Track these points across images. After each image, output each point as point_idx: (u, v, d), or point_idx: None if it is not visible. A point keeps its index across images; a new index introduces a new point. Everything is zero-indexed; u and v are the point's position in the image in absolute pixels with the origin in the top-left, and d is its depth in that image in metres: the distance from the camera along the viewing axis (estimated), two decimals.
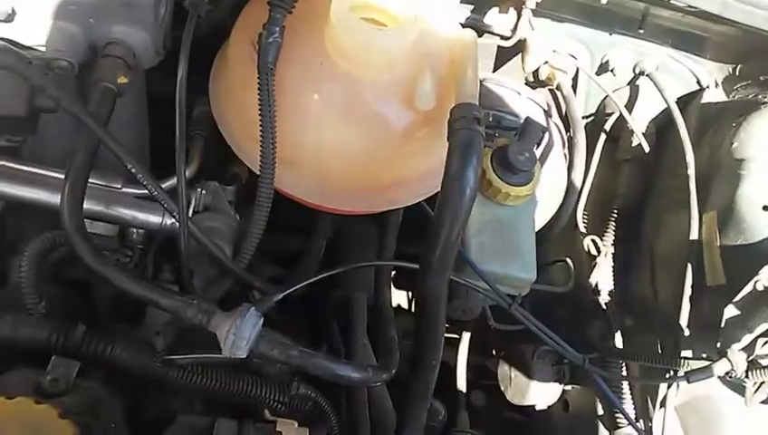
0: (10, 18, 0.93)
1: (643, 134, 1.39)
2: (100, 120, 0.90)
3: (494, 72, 1.45)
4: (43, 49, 0.94)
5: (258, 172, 0.97)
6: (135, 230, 1.04)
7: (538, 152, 1.25)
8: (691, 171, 1.26)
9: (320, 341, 1.33)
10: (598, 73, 1.42)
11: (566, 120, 1.47)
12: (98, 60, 0.96)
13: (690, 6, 1.18)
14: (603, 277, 1.37)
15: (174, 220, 0.98)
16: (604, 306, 1.38)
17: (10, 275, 1.01)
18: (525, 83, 1.45)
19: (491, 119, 1.27)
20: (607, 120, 1.46)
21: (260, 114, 0.93)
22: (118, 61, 0.96)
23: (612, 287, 1.38)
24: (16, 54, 0.89)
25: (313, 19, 0.96)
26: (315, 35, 0.96)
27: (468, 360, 1.57)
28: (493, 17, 1.28)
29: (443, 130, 0.96)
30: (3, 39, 0.93)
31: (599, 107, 1.49)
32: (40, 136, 1.03)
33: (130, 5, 0.94)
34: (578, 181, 1.33)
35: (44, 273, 0.97)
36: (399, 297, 1.80)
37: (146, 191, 0.99)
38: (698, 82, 1.41)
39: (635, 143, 1.41)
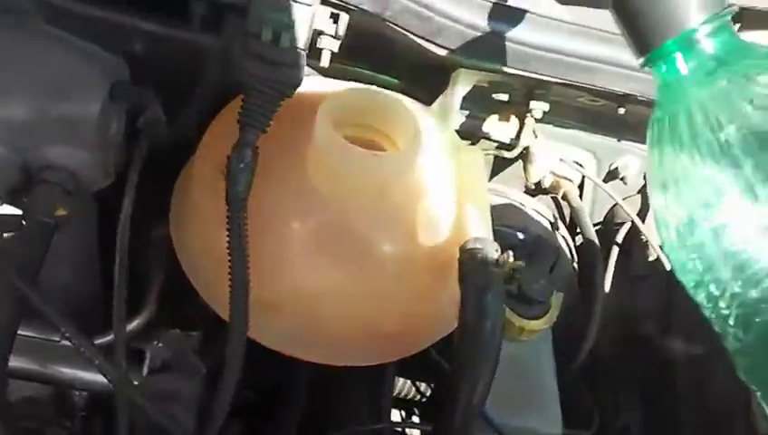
0: None
1: (660, 247, 1.25)
2: (30, 268, 0.72)
3: (490, 180, 1.31)
4: None
5: (227, 319, 0.79)
6: (78, 392, 0.85)
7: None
8: None
9: None
10: (605, 180, 1.29)
11: (570, 228, 1.34)
12: (30, 188, 0.78)
13: None
14: (634, 416, 1.19)
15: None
16: None
17: None
18: (525, 190, 1.32)
19: None
20: (617, 230, 1.32)
21: (229, 253, 0.76)
22: (54, 188, 0.78)
23: (644, 427, 1.20)
24: None
25: (293, 138, 0.81)
26: (295, 157, 0.81)
27: None
28: (491, 125, 1.15)
29: (453, 265, 0.81)
30: None
31: (606, 216, 1.35)
32: None
33: (70, 125, 0.78)
34: (598, 306, 1.17)
35: None
36: None
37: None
38: None
39: (652, 257, 1.26)
